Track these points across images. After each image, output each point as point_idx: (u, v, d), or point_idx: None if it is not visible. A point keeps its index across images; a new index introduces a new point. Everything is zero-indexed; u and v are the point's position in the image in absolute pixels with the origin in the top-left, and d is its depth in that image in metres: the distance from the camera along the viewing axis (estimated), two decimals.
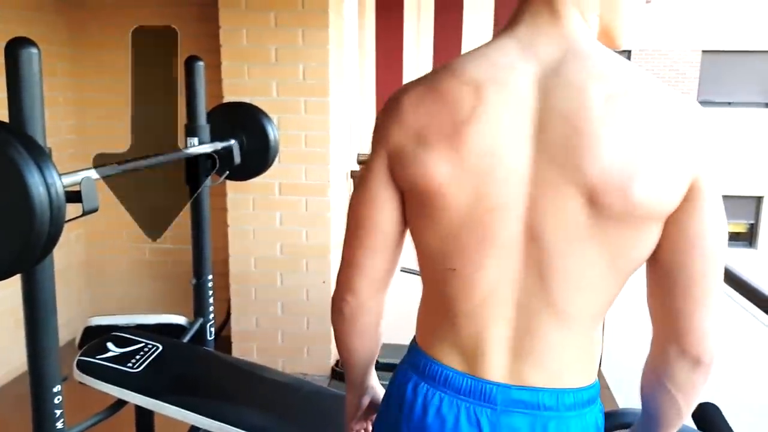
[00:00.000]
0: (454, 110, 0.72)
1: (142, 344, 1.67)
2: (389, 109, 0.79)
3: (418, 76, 0.80)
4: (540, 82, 0.70)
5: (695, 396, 0.80)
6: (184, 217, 2.18)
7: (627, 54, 11.04)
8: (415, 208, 0.78)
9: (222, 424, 1.43)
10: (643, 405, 0.85)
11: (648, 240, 0.72)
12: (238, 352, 2.80)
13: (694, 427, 1.12)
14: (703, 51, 10.92)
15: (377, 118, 0.81)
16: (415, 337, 0.87)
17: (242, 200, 2.74)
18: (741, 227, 11.41)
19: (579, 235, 0.70)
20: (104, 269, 3.40)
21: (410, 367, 0.83)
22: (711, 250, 0.72)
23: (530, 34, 0.74)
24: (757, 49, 10.74)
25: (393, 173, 0.78)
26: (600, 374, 2.69)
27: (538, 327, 0.75)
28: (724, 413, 1.14)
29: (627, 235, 0.70)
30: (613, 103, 0.68)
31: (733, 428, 1.11)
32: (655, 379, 0.80)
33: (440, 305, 0.81)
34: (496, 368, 0.77)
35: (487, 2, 3.22)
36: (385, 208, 0.80)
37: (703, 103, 11.00)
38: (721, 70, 10.87)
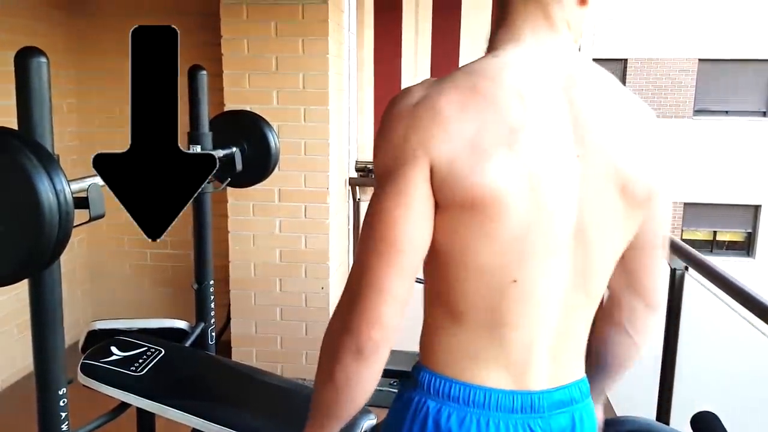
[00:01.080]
0: (506, 116, 0.71)
1: (145, 348, 1.68)
2: (424, 115, 0.71)
3: (436, 78, 0.75)
4: (565, 90, 0.75)
5: (650, 337, 0.94)
6: (185, 222, 2.19)
7: (623, 63, 11.11)
8: (466, 223, 0.71)
9: (223, 427, 1.44)
10: (600, 354, 0.91)
11: (640, 221, 0.81)
12: (237, 356, 2.81)
13: None
14: (700, 60, 10.98)
15: (402, 123, 0.72)
16: (428, 365, 0.79)
17: (242, 207, 2.76)
18: (738, 236, 11.43)
19: (614, 226, 0.78)
20: (106, 273, 3.41)
21: (444, 399, 0.76)
22: (668, 227, 0.87)
23: (538, 46, 0.77)
24: (753, 57, 10.80)
25: (438, 186, 0.71)
26: None
27: (575, 325, 0.81)
28: (723, 422, 1.16)
29: (637, 220, 0.80)
30: (620, 102, 0.79)
31: None
32: (616, 328, 0.91)
33: (485, 324, 0.75)
34: (541, 377, 0.78)
35: (484, 12, 3.25)
36: (423, 225, 0.71)
37: (700, 111, 11.07)
38: (717, 78, 10.93)
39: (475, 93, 0.71)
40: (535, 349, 0.77)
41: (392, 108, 0.74)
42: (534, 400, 0.77)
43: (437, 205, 0.72)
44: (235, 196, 2.73)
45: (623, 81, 11.13)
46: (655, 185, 0.80)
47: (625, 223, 0.78)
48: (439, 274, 0.76)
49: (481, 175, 0.69)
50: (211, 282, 2.01)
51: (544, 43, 0.77)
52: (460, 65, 0.78)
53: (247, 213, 2.77)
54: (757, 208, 11.09)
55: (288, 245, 2.77)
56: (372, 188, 0.78)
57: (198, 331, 1.94)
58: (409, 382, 0.81)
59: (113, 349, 1.64)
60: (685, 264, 1.84)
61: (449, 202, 0.71)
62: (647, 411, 1.95)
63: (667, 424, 1.79)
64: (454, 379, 0.77)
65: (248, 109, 2.19)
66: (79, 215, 1.15)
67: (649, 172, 0.78)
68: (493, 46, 0.78)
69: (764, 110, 11.03)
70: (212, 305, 2.01)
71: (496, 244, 0.72)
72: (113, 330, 1.77)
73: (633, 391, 2.42)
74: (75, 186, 1.15)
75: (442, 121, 0.70)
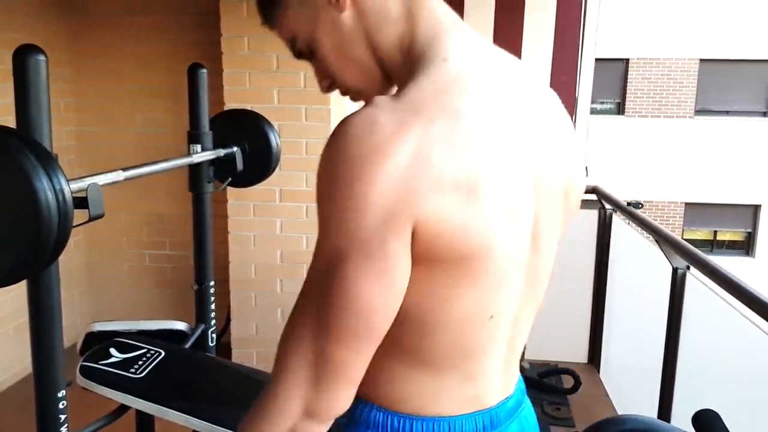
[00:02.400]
0: (483, 140, 0.61)
1: (145, 350, 1.67)
2: (407, 162, 0.56)
3: (394, 98, 0.60)
4: (514, 98, 0.68)
5: None
6: (184, 223, 2.18)
7: (625, 62, 11.11)
8: (450, 276, 0.62)
9: (224, 429, 1.43)
10: None
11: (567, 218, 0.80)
12: (237, 358, 2.81)
13: None
14: (701, 60, 10.98)
15: (378, 175, 0.55)
16: (379, 403, 0.72)
17: (243, 207, 2.75)
18: (739, 236, 11.43)
19: (557, 229, 0.75)
20: (104, 275, 3.41)
21: None
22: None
23: (476, 55, 0.67)
24: (754, 58, 10.80)
25: (422, 247, 0.59)
26: (599, 382, 2.70)
27: (524, 332, 0.78)
28: (724, 420, 1.15)
29: (567, 218, 0.78)
30: (548, 98, 0.76)
31: None
32: None
33: (456, 364, 0.70)
34: (497, 391, 0.76)
35: (487, 11, 3.25)
36: (401, 295, 0.60)
37: (701, 111, 11.08)
38: (718, 78, 10.93)
39: (451, 117, 0.59)
40: (495, 366, 0.74)
41: (354, 147, 0.56)
42: (492, 416, 0.75)
43: (412, 266, 0.60)
44: (235, 196, 2.72)
45: (625, 80, 11.15)
46: (581, 182, 0.79)
47: (562, 223, 0.76)
48: (405, 329, 0.65)
49: (474, 223, 0.59)
50: (212, 283, 2.00)
51: (479, 51, 0.68)
52: None
53: (248, 213, 2.76)
54: (756, 208, 11.09)
55: (289, 246, 2.76)
56: None
57: (198, 332, 1.93)
58: (351, 425, 0.73)
59: (112, 351, 1.63)
60: (686, 263, 1.84)
61: (431, 261, 0.60)
62: (649, 409, 1.95)
63: (669, 422, 1.79)
64: (414, 416, 0.71)
65: (248, 108, 2.19)
66: (78, 215, 1.15)
67: (578, 170, 0.77)
68: (434, 48, 0.66)
69: (764, 110, 11.03)
70: (212, 306, 2.01)
71: (481, 288, 0.64)
72: (112, 332, 1.77)
73: (634, 389, 2.42)
74: (74, 185, 1.14)
75: (430, 166, 0.56)
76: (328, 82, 0.77)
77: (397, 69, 0.70)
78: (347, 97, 0.78)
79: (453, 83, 0.62)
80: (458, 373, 0.71)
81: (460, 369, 0.71)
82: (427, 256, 0.60)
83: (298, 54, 0.77)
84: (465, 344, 0.69)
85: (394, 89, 0.72)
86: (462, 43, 0.67)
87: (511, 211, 0.63)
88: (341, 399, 0.62)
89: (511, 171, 0.63)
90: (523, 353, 2.54)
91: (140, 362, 1.61)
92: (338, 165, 0.57)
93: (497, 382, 0.75)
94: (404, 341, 0.67)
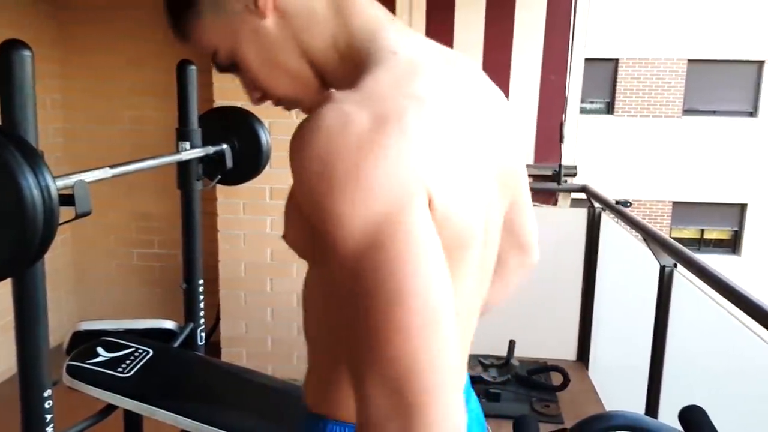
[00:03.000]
0: (453, 130, 0.59)
1: (133, 349, 1.66)
2: (409, 145, 0.52)
3: (353, 92, 0.56)
4: (463, 85, 0.67)
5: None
6: (173, 221, 2.17)
7: (615, 62, 11.18)
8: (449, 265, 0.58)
9: (212, 428, 1.43)
10: None
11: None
12: (227, 357, 2.80)
13: (681, 429, 1.14)
14: (689, 60, 11.08)
15: (372, 155, 0.51)
16: (340, 418, 0.68)
17: (232, 205, 2.74)
18: (725, 234, 11.55)
19: (500, 227, 0.74)
20: (91, 274, 3.38)
21: None
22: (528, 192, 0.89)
23: (421, 46, 0.66)
24: (741, 58, 10.91)
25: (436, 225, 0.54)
26: (587, 378, 2.72)
27: (474, 327, 0.75)
28: (710, 416, 1.16)
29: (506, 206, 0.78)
30: (494, 92, 0.75)
31: (718, 430, 1.13)
32: None
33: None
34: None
35: (478, 10, 3.26)
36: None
37: (689, 111, 11.17)
38: (706, 79, 11.04)
39: (419, 102, 0.56)
40: (463, 356, 0.74)
41: (334, 142, 0.51)
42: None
43: None
44: (224, 194, 2.71)
45: (615, 80, 11.22)
46: (523, 169, 0.81)
47: (502, 215, 0.75)
48: None
49: (465, 208, 0.57)
50: (201, 282, 1.99)
51: (429, 50, 0.66)
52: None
53: (237, 211, 2.75)
54: (743, 207, 11.21)
55: (279, 245, 2.75)
56: None
57: (187, 331, 1.92)
58: None
59: (99, 350, 1.62)
60: (674, 261, 1.85)
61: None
62: (636, 405, 1.96)
63: (656, 418, 1.80)
64: None
65: (238, 105, 2.18)
66: (65, 213, 1.14)
67: (519, 158, 0.77)
68: (378, 43, 0.64)
69: (751, 110, 11.14)
70: (201, 305, 2.00)
71: (464, 280, 0.61)
72: (99, 331, 1.75)
73: (622, 386, 2.43)
74: (60, 182, 1.13)
75: (429, 146, 0.54)
76: (259, 93, 0.73)
77: (334, 70, 0.67)
78: None
79: (409, 72, 0.59)
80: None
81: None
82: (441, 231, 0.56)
83: (221, 68, 0.72)
84: (451, 353, 0.64)
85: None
86: (404, 36, 0.65)
87: (484, 191, 0.62)
88: (454, 405, 0.52)
89: (474, 157, 0.61)
90: (512, 350, 2.55)
91: (128, 361, 1.60)
92: (323, 167, 0.51)
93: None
94: None
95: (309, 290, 0.71)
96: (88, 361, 1.57)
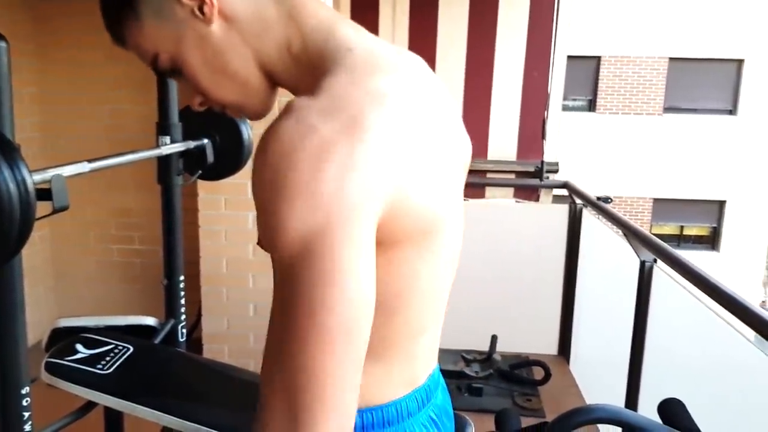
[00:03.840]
0: (416, 120, 0.61)
1: (113, 345, 1.64)
2: (357, 144, 0.53)
3: (337, 107, 0.56)
4: (418, 79, 0.67)
5: None
6: (154, 217, 2.15)
7: (597, 60, 11.27)
8: (416, 251, 0.62)
9: (194, 424, 1.42)
10: None
11: None
12: (208, 354, 2.78)
13: (660, 421, 1.15)
14: (670, 58, 11.21)
15: (327, 164, 0.52)
16: (370, 411, 0.68)
17: (214, 201, 2.71)
18: (704, 230, 11.73)
19: (461, 210, 0.75)
20: (71, 270, 3.33)
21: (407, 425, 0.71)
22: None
23: (374, 43, 0.66)
24: (721, 57, 11.06)
25: (392, 226, 0.57)
26: (568, 372, 2.75)
27: (443, 310, 0.78)
28: (688, 408, 1.18)
29: None
30: (442, 86, 0.74)
31: (696, 422, 1.15)
32: None
33: (405, 350, 0.70)
34: (427, 366, 0.76)
35: (461, 10, 3.26)
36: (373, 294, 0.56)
37: (670, 109, 11.32)
38: (686, 77, 11.18)
39: (381, 99, 0.57)
40: (430, 344, 0.75)
41: (290, 155, 0.52)
42: (426, 389, 0.75)
43: (385, 250, 0.58)
44: (206, 189, 2.69)
45: (597, 78, 11.32)
46: (468, 164, 0.81)
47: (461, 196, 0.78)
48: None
49: (430, 196, 0.60)
50: (182, 278, 1.97)
51: (386, 48, 0.67)
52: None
53: (219, 207, 2.72)
54: (721, 204, 11.39)
55: None
56: None
57: (168, 328, 1.91)
58: None
59: (79, 346, 1.60)
60: (653, 256, 1.88)
61: (402, 241, 0.60)
62: (617, 399, 1.99)
63: (636, 410, 1.83)
64: (364, 408, 0.67)
65: None
66: (42, 208, 1.12)
67: (467, 144, 0.78)
68: (333, 43, 0.64)
69: (730, 108, 11.31)
70: (182, 301, 1.98)
71: (434, 263, 0.65)
72: (79, 327, 1.73)
73: (603, 380, 2.46)
74: (37, 177, 1.11)
75: (383, 150, 0.55)
76: (201, 98, 0.72)
77: (288, 72, 0.67)
78: None
79: (368, 68, 0.60)
80: (403, 355, 0.70)
81: (404, 351, 0.69)
82: (398, 237, 0.59)
83: (161, 73, 0.70)
84: (417, 323, 0.69)
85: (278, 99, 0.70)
86: (357, 34, 0.66)
87: (446, 175, 0.65)
88: (341, 426, 0.52)
89: (435, 148, 0.63)
90: (494, 345, 2.57)
91: (108, 358, 1.58)
92: (277, 172, 0.52)
93: (429, 357, 0.76)
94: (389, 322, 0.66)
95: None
96: (67, 358, 1.55)
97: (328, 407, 0.51)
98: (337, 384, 0.51)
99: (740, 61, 11.11)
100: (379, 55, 0.63)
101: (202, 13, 0.64)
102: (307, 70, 0.64)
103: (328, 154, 0.52)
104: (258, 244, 0.65)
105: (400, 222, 0.58)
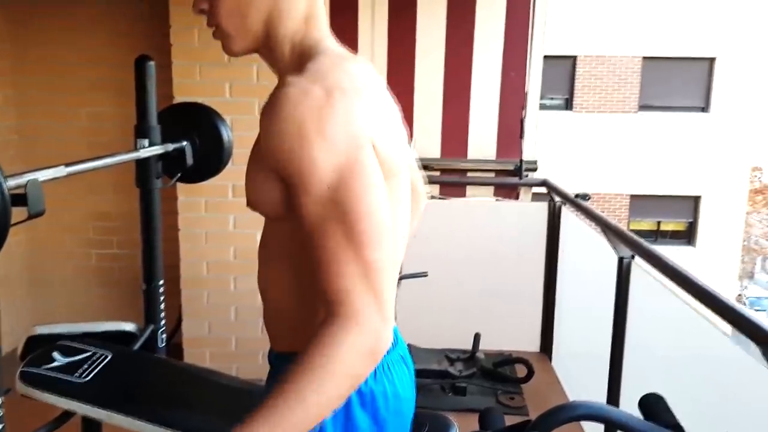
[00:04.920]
0: (379, 95, 0.81)
1: (90, 353, 1.61)
2: (349, 99, 0.73)
3: (321, 79, 0.74)
4: (375, 77, 0.84)
5: None
6: (133, 221, 2.11)
7: (573, 60, 11.40)
8: (390, 190, 0.77)
9: (176, 431, 1.40)
10: None
11: None
12: (190, 358, 2.74)
13: (641, 415, 1.17)
14: (644, 57, 11.38)
15: (333, 113, 0.71)
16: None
17: (194, 203, 2.68)
18: (681, 226, 11.93)
19: (409, 166, 0.91)
20: (48, 276, 3.27)
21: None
22: None
23: (350, 54, 0.84)
24: (693, 56, 11.26)
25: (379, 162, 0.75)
26: (551, 369, 2.77)
27: (404, 245, 0.92)
28: (668, 402, 1.20)
29: None
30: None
31: (676, 416, 1.17)
32: None
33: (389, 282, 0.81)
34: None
35: (439, 17, 3.27)
36: None
37: (645, 107, 11.49)
38: (660, 75, 11.35)
39: (353, 76, 0.77)
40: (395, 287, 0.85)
41: (301, 105, 0.70)
42: (396, 331, 0.85)
43: None
44: (185, 192, 2.65)
45: (573, 77, 11.46)
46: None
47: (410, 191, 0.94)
48: None
49: (395, 144, 0.79)
50: (161, 282, 1.95)
51: (345, 53, 0.85)
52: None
53: (199, 210, 2.69)
54: (697, 199, 11.59)
55: (242, 242, 2.71)
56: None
57: (147, 333, 1.88)
58: None
59: (55, 354, 1.57)
60: (631, 252, 1.90)
61: (385, 177, 0.76)
62: (599, 395, 2.01)
63: (617, 406, 1.85)
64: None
65: (199, 101, 2.13)
66: (17, 213, 1.09)
67: (404, 134, 0.92)
68: (319, 46, 0.82)
69: (703, 106, 11.52)
70: (162, 306, 1.95)
71: (399, 209, 0.83)
72: (55, 335, 1.70)
73: (585, 376, 2.49)
74: (12, 182, 1.09)
75: (363, 106, 0.74)
76: (207, 5, 0.84)
77: (281, 54, 0.83)
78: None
79: (341, 59, 0.80)
80: (390, 303, 0.75)
81: (389, 297, 0.74)
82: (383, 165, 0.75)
83: None
84: (394, 258, 0.79)
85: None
86: (336, 44, 0.85)
87: (398, 142, 0.82)
88: (392, 302, 0.72)
89: (390, 115, 0.82)
90: (477, 343, 2.58)
91: (85, 366, 1.55)
92: (303, 121, 0.69)
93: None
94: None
95: (268, 245, 0.86)
96: (43, 367, 1.52)
97: (391, 279, 0.72)
98: (390, 268, 0.72)
99: (712, 60, 11.31)
100: (348, 54, 0.83)
101: None
102: (295, 58, 0.81)
103: (326, 107, 0.70)
104: (248, 204, 0.84)
105: (381, 157, 0.74)
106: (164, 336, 1.96)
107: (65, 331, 1.75)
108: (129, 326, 1.89)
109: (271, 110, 0.72)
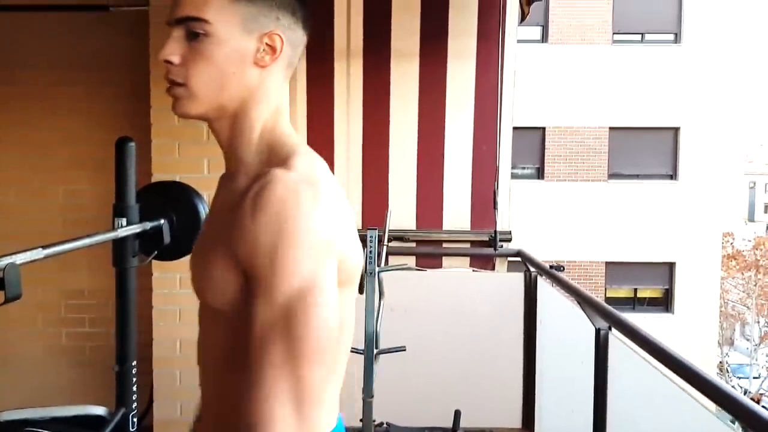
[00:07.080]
0: (343, 202, 0.82)
1: None
2: (327, 213, 0.74)
3: (309, 181, 0.76)
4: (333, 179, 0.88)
5: None
6: (106, 298, 2.08)
7: (542, 131, 11.83)
8: (345, 295, 0.80)
9: None
10: None
11: None
12: None
13: None
14: (610, 128, 11.85)
15: (315, 224, 0.72)
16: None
17: (168, 279, 2.65)
18: (657, 293, 12.03)
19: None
20: (16, 356, 3.15)
21: None
22: None
23: (312, 152, 0.85)
24: (658, 125, 11.77)
25: (340, 273, 0.77)
26: (532, 427, 2.71)
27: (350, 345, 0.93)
28: None
29: None
30: None
31: None
32: None
33: (341, 370, 0.84)
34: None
35: (412, 79, 3.41)
36: None
37: (613, 176, 11.85)
38: (627, 145, 11.79)
39: (330, 183, 0.79)
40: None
41: (290, 204, 0.71)
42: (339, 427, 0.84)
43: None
44: (160, 268, 2.63)
45: (542, 148, 11.85)
46: None
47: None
48: None
49: (353, 249, 0.80)
50: (134, 363, 1.90)
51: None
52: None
53: (174, 286, 2.66)
54: (672, 266, 11.78)
55: None
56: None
57: (118, 417, 1.81)
58: None
59: None
60: (608, 324, 1.92)
61: (340, 279, 0.77)
62: None
63: None
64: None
65: (177, 178, 2.16)
66: None
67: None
68: (293, 145, 0.83)
69: (671, 173, 11.92)
70: (134, 389, 1.90)
71: (351, 306, 0.84)
72: (22, 420, 1.63)
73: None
74: None
75: (339, 208, 0.78)
76: (179, 60, 0.79)
77: (246, 136, 0.83)
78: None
79: (318, 161, 0.81)
80: (336, 389, 0.81)
81: (337, 382, 0.81)
82: (341, 278, 0.76)
83: (177, 22, 0.78)
84: (344, 359, 0.83)
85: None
86: (303, 142, 0.86)
87: (357, 249, 0.83)
88: (322, 420, 0.73)
89: (351, 223, 0.82)
90: (458, 421, 2.53)
91: None
92: (288, 221, 0.70)
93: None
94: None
95: (211, 337, 0.85)
96: None
97: (330, 390, 0.77)
98: (324, 377, 0.72)
99: (677, 129, 11.83)
100: (314, 155, 0.83)
101: (267, 47, 0.80)
102: (261, 143, 0.82)
103: (312, 213, 0.72)
104: (197, 290, 0.83)
105: (342, 266, 0.76)
106: (135, 420, 1.89)
107: (32, 416, 1.68)
108: (99, 410, 1.82)
109: (257, 200, 0.71)
